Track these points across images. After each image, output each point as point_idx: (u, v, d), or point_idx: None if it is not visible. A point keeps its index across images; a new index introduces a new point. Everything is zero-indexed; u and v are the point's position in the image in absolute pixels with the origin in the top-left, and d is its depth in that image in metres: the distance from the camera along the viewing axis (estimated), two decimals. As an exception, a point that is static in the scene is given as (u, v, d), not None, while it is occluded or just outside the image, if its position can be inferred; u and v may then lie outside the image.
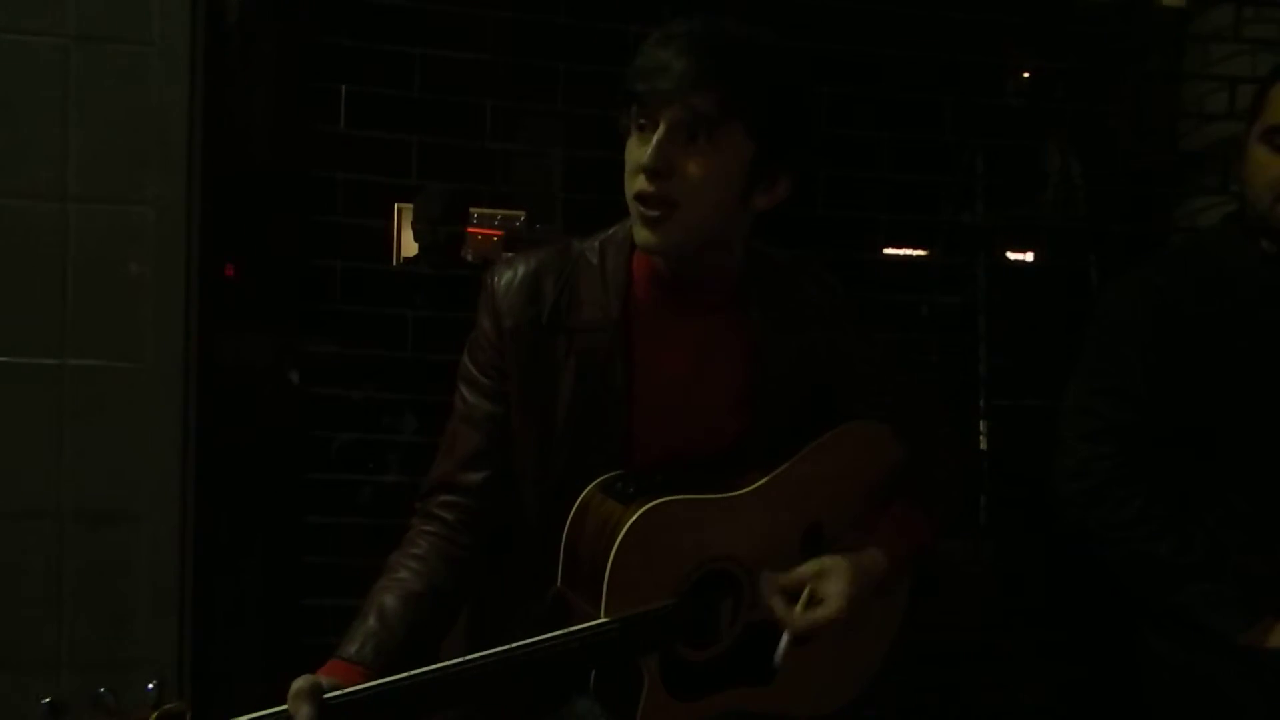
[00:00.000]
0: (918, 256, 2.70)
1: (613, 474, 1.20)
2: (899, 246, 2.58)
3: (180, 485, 1.76)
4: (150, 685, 0.92)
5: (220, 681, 1.92)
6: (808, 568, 1.21)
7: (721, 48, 1.10)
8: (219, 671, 1.92)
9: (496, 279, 1.23)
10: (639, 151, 1.11)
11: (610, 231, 1.26)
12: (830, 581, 1.20)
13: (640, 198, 1.12)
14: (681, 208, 1.11)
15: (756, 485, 1.21)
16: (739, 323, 1.25)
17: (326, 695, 0.97)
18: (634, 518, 1.10)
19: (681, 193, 1.11)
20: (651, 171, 1.10)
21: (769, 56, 1.14)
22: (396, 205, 3.83)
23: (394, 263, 3.62)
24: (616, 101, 1.15)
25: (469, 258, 3.46)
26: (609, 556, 1.10)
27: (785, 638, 1.19)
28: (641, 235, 1.15)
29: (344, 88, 1.97)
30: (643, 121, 1.12)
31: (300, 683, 0.97)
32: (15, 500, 1.73)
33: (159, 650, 1.76)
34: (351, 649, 1.09)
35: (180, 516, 1.76)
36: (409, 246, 3.54)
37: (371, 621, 1.11)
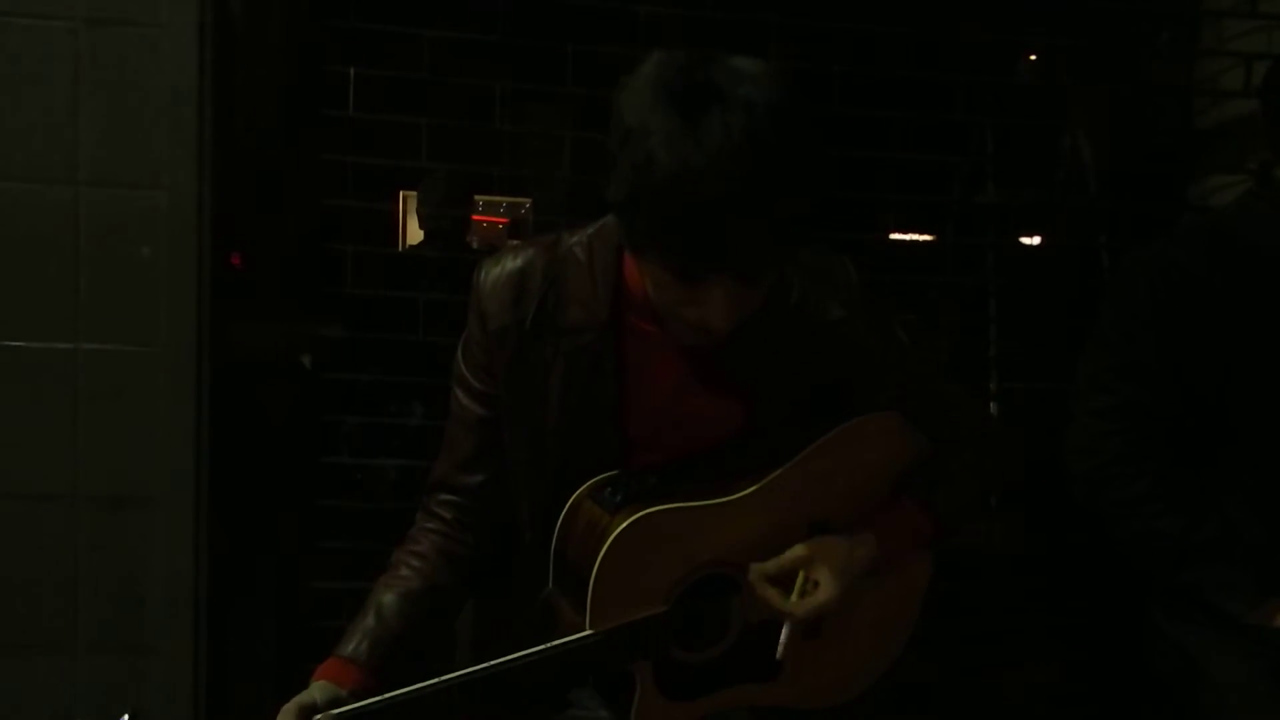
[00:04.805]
0: (927, 238, 2.68)
1: (605, 476, 1.16)
2: (908, 228, 2.56)
3: (194, 469, 1.76)
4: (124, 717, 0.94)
5: (234, 665, 1.93)
6: (795, 552, 1.15)
7: (769, 192, 0.94)
8: (232, 655, 1.93)
9: (483, 276, 1.18)
10: (682, 294, 1.03)
11: (599, 225, 1.18)
12: (822, 564, 1.15)
13: (690, 328, 1.07)
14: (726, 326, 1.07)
15: (756, 487, 1.15)
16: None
17: (318, 717, 0.98)
18: (617, 531, 1.07)
19: (730, 321, 1.06)
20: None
21: (808, 179, 0.99)
22: (401, 193, 3.83)
23: (399, 249, 3.62)
24: (634, 225, 1.01)
25: (474, 244, 3.46)
26: (593, 569, 1.07)
27: (786, 629, 1.15)
28: (679, 339, 1.12)
29: (353, 70, 1.96)
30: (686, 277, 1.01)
31: (289, 704, 0.99)
32: (30, 484, 1.74)
33: (173, 634, 1.77)
34: (348, 647, 1.10)
35: (194, 500, 1.77)
36: (414, 234, 3.54)
37: (369, 619, 1.13)
